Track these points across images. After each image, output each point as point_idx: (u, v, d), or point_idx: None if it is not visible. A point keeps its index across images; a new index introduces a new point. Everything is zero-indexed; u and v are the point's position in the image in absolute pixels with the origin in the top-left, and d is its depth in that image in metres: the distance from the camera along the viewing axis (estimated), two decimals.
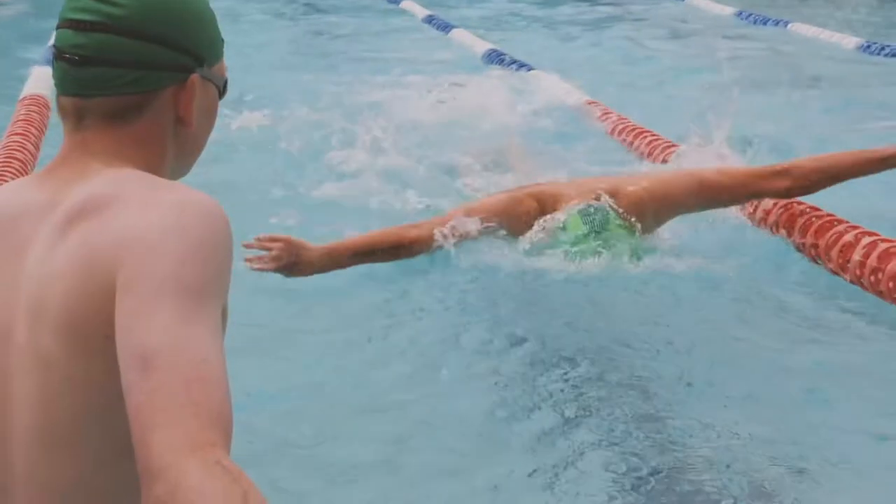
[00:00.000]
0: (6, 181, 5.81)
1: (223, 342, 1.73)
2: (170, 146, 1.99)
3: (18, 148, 6.73)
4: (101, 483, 1.81)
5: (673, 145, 6.86)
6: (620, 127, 7.82)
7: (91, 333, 1.75)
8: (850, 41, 12.17)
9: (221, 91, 2.06)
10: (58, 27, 1.95)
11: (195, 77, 1.97)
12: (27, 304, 1.81)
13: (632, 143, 7.49)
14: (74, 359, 1.76)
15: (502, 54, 11.04)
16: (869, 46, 11.90)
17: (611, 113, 8.17)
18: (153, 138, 1.96)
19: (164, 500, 1.53)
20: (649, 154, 7.13)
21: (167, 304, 1.68)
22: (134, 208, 1.80)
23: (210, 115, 2.05)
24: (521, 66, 10.44)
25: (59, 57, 1.93)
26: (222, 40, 2.06)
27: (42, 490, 1.80)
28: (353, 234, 5.04)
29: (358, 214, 5.72)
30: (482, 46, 11.63)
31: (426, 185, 6.22)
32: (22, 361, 1.81)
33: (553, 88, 9.40)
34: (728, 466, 3.53)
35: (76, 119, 1.94)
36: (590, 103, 8.60)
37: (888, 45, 11.73)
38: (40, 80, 9.02)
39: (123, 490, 1.79)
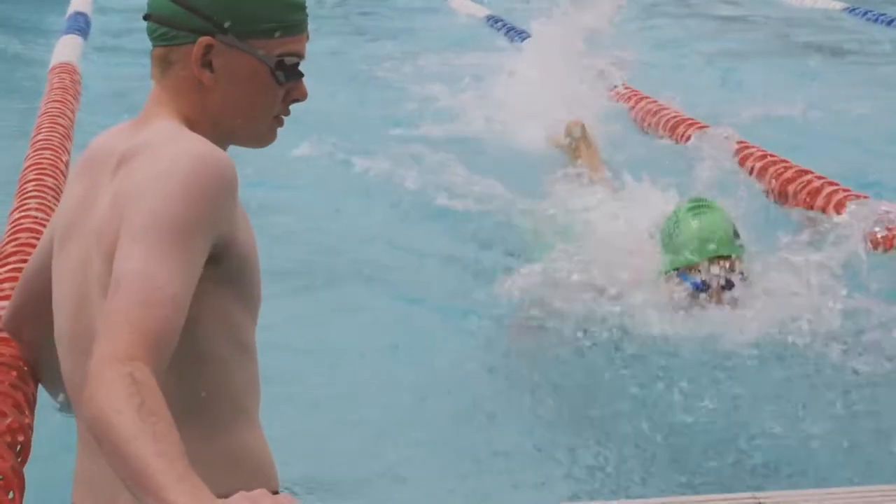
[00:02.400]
0: (53, 146, 6.34)
1: (192, 273, 2.06)
2: (198, 103, 2.31)
3: (59, 114, 7.22)
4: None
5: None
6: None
7: None
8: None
9: (273, 69, 2.32)
10: None
11: (205, 39, 2.27)
12: (94, 237, 2.23)
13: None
14: None
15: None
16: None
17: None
18: (182, 91, 2.31)
19: (85, 400, 1.90)
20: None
21: (143, 240, 2.04)
22: (146, 158, 2.18)
23: (241, 84, 2.30)
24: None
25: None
26: (289, 24, 2.33)
27: None
28: None
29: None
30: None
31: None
32: (93, 286, 2.24)
33: None
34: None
35: (152, 68, 2.35)
36: None
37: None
38: (67, 48, 9.47)
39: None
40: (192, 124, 2.30)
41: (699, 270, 4.42)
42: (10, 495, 2.56)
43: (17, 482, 2.64)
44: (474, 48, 10.47)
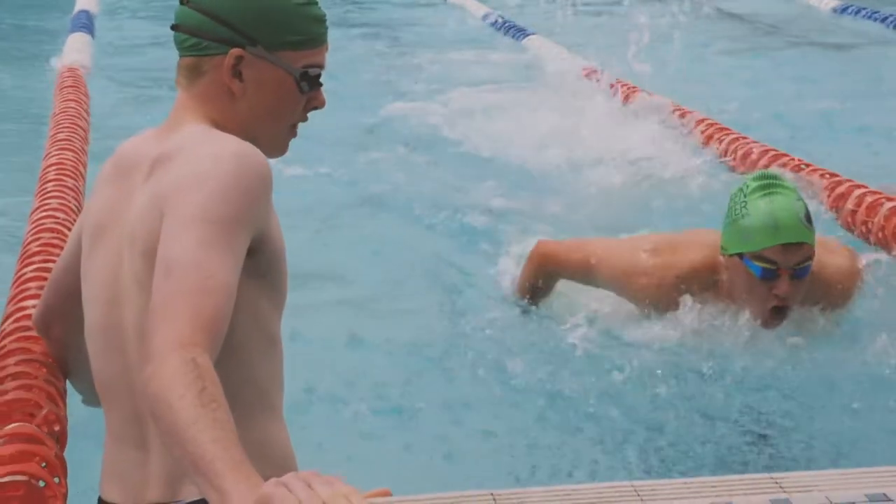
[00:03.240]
0: (75, 146, 6.42)
1: (238, 264, 2.17)
2: (226, 110, 2.42)
3: (75, 115, 7.27)
4: None
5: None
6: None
7: None
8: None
9: (298, 80, 2.43)
10: None
11: (236, 51, 2.39)
12: (128, 238, 2.35)
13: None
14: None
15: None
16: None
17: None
18: (211, 99, 2.42)
19: (147, 379, 2.00)
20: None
21: (192, 230, 2.15)
22: (185, 158, 2.28)
23: (268, 93, 2.42)
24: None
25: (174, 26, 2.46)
26: (313, 37, 2.45)
27: None
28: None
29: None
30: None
31: None
32: (128, 283, 2.35)
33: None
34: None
35: (178, 76, 2.46)
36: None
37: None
38: (74, 47, 9.57)
39: None
40: (220, 129, 2.40)
41: (768, 258, 4.13)
42: (57, 480, 2.67)
43: (61, 467, 2.75)
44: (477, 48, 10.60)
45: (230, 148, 2.30)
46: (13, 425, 2.78)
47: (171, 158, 2.32)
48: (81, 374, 2.70)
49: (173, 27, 2.46)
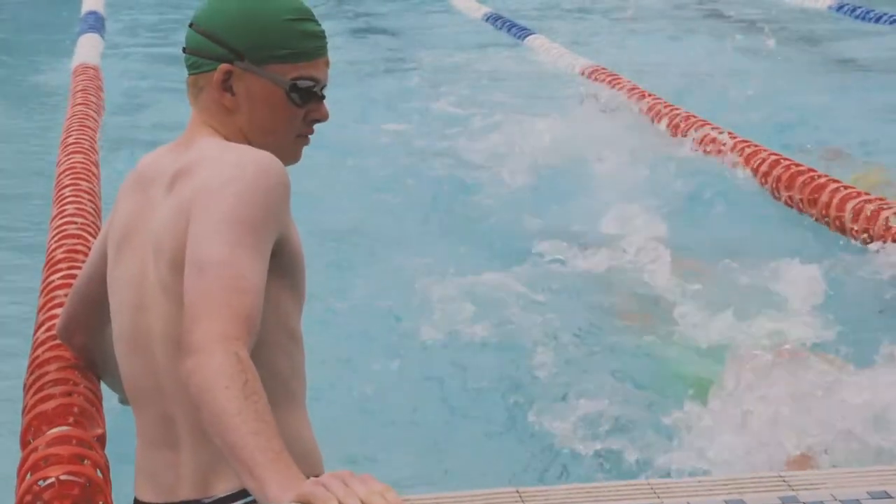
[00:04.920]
0: (84, 146, 6.53)
1: (265, 266, 2.28)
2: (229, 123, 2.54)
3: (83, 116, 7.36)
4: None
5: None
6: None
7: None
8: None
9: (288, 91, 2.52)
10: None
11: (224, 66, 2.51)
12: (152, 248, 2.45)
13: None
14: (180, 282, 2.33)
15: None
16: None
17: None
18: (214, 113, 2.55)
19: (191, 370, 2.12)
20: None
21: (223, 231, 2.26)
22: (207, 167, 2.40)
23: (260, 105, 2.53)
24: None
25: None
26: (305, 51, 2.54)
27: (179, 383, 2.34)
28: None
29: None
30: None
31: None
32: (154, 290, 2.45)
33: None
34: None
35: (188, 95, 2.59)
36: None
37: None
38: (85, 48, 9.64)
39: None
40: (232, 140, 2.53)
41: None
42: (99, 473, 2.84)
43: (106, 467, 2.91)
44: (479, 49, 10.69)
45: (250, 155, 2.42)
46: (62, 429, 2.93)
47: (192, 170, 2.44)
48: (111, 374, 2.82)
49: (183, 50, 2.61)
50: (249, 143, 2.53)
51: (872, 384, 3.85)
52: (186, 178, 2.44)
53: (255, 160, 2.40)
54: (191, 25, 2.58)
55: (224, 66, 2.51)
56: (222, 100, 2.53)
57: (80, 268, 4.11)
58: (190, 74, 2.57)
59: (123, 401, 2.92)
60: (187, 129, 2.59)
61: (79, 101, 7.78)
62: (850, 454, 3.59)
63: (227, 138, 2.53)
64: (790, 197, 6.19)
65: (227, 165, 2.39)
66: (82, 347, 2.93)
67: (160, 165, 2.56)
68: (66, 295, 3.71)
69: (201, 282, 2.22)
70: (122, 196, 2.62)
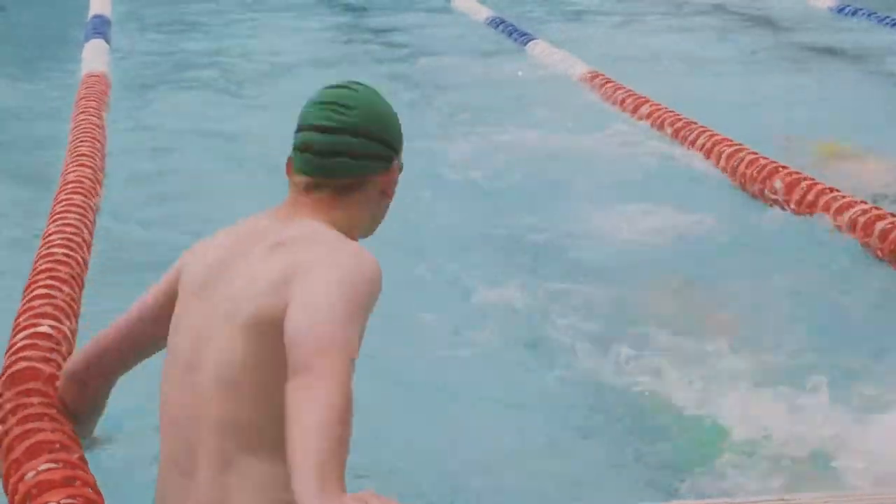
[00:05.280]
0: (84, 153, 6.67)
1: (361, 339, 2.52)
2: (371, 212, 2.80)
3: (88, 126, 7.42)
4: (257, 419, 2.57)
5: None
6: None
7: (273, 324, 2.52)
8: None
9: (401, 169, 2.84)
10: (301, 129, 2.75)
11: (397, 165, 2.78)
12: (230, 303, 2.61)
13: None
14: (253, 345, 2.56)
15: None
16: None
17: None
18: (363, 207, 2.78)
19: (308, 383, 2.33)
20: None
21: (336, 304, 2.47)
22: (325, 247, 2.61)
23: (387, 199, 2.83)
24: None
25: (304, 150, 2.74)
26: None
27: (221, 425, 2.59)
28: None
29: None
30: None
31: None
32: (220, 341, 2.60)
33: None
34: None
35: (307, 189, 2.75)
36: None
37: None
38: (92, 54, 9.70)
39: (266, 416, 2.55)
40: (347, 229, 2.73)
41: None
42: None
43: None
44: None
45: (355, 246, 2.66)
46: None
47: (301, 243, 2.62)
48: (96, 417, 3.14)
49: (327, 154, 2.72)
50: (358, 227, 2.77)
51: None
52: (291, 249, 2.61)
53: (367, 256, 2.60)
54: (342, 131, 2.71)
55: (396, 165, 2.77)
56: (389, 192, 2.79)
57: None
58: (347, 176, 2.72)
59: (90, 445, 3.17)
60: (288, 205, 2.75)
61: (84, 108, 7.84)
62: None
63: (332, 224, 2.70)
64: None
65: (348, 252, 2.60)
66: (95, 390, 3.07)
67: (259, 230, 2.72)
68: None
69: (318, 330, 2.42)
70: (210, 246, 2.77)
